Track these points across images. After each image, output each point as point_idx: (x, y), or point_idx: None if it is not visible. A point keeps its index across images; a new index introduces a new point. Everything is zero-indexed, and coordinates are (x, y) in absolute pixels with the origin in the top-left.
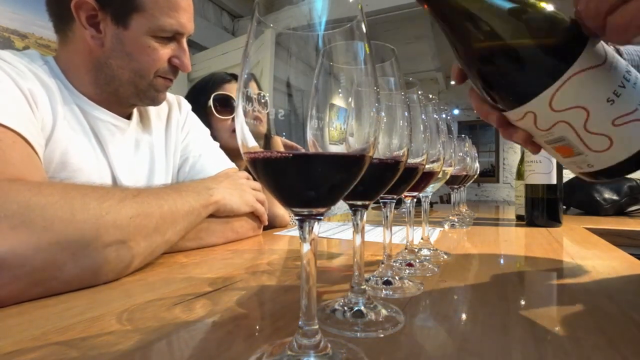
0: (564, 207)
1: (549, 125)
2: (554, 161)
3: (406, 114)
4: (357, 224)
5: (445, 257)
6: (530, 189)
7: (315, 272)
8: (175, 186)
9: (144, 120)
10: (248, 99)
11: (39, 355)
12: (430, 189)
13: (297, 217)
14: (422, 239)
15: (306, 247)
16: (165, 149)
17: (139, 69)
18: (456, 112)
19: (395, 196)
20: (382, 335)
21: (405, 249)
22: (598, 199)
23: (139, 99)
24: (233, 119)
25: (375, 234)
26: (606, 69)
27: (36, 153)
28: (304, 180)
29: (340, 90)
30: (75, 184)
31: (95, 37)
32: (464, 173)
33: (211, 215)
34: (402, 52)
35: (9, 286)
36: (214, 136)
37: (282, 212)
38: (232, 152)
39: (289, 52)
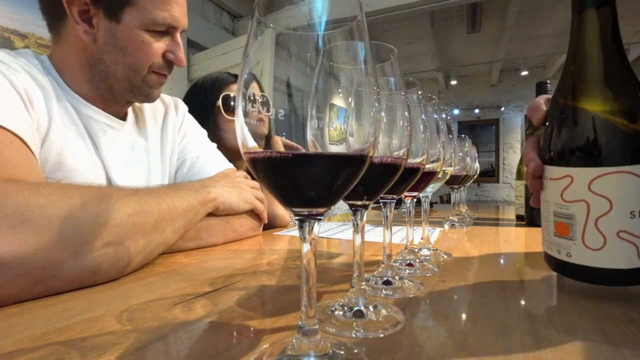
0: None
1: (573, 198)
2: None
3: (406, 114)
4: (357, 224)
5: (445, 257)
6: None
7: (315, 272)
8: (173, 186)
9: (139, 121)
10: (248, 99)
11: (39, 355)
12: (430, 189)
13: (297, 217)
14: (422, 239)
15: (306, 247)
16: (161, 151)
17: (133, 64)
18: (456, 112)
19: (395, 196)
20: (382, 335)
21: (405, 249)
22: None
23: (133, 95)
24: None
25: (375, 234)
26: None
27: (33, 154)
28: (304, 180)
29: (340, 90)
30: (74, 184)
31: (88, 33)
32: (464, 173)
33: (211, 215)
34: (402, 52)
35: (9, 285)
36: (221, 136)
37: (282, 212)
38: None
39: (289, 52)
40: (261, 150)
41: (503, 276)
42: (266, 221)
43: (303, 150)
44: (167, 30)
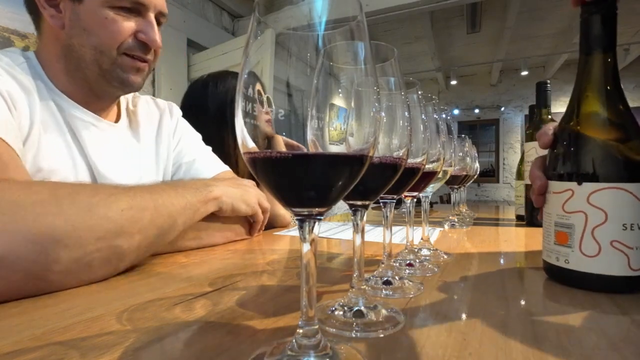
0: None
1: (573, 209)
2: None
3: (406, 114)
4: (357, 224)
5: (445, 257)
6: (531, 189)
7: (315, 272)
8: (172, 183)
9: (132, 124)
10: (248, 99)
11: (39, 355)
12: (430, 189)
13: (297, 217)
14: (422, 239)
15: (306, 247)
16: (156, 155)
17: (99, 44)
18: (456, 112)
19: (395, 196)
20: (382, 335)
21: (405, 249)
22: None
23: (106, 82)
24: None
25: (375, 234)
26: None
27: (17, 155)
28: (304, 180)
29: (340, 90)
30: (65, 183)
31: (56, 17)
32: (464, 173)
33: (211, 215)
34: (402, 52)
35: (6, 279)
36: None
37: (283, 212)
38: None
39: (289, 52)
40: (261, 150)
41: (503, 276)
42: (257, 233)
43: (303, 150)
44: (136, 9)
